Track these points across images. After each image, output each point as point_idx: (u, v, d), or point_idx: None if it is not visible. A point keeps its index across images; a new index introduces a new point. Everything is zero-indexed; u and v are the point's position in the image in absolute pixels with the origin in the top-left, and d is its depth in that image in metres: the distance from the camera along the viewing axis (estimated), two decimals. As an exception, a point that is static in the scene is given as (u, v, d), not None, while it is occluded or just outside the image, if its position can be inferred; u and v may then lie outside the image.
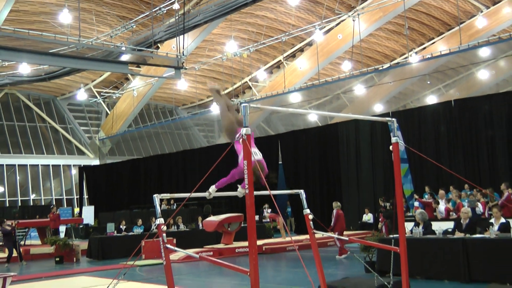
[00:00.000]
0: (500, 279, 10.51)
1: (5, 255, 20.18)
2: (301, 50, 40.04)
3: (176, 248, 8.31)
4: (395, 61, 39.07)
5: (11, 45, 25.68)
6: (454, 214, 17.48)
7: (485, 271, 11.06)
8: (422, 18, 36.49)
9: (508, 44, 31.84)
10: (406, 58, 34.45)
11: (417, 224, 12.97)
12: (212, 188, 7.47)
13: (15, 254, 20.15)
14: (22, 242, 25.07)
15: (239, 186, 7.53)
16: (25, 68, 34.47)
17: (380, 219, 21.05)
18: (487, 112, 21.91)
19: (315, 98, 42.65)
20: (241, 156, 7.23)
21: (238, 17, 34.70)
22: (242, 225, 21.09)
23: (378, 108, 41.60)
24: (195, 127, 51.90)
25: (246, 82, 43.14)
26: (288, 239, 21.91)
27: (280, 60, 40.56)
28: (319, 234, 9.61)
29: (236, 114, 7.90)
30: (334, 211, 18.03)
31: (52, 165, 43.98)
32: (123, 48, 29.09)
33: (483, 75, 39.82)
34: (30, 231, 28.21)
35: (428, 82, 40.54)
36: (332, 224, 17.98)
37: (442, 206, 18.41)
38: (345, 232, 22.90)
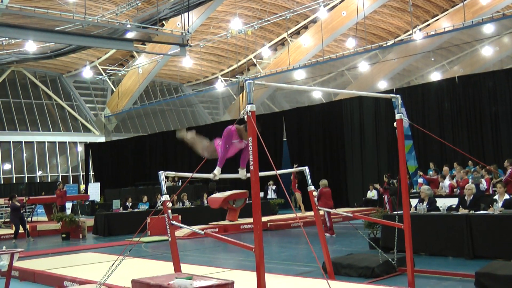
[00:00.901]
0: (504, 256, 10.54)
1: (13, 231, 20.34)
2: (306, 27, 39.91)
3: (181, 225, 8.40)
4: (399, 38, 38.96)
5: (17, 23, 25.67)
6: (458, 190, 17.56)
7: (489, 248, 11.11)
8: (426, -5, 36.38)
9: (511, 21, 31.73)
10: (410, 35, 34.29)
11: (421, 201, 13.01)
12: (217, 170, 7.56)
13: (21, 230, 20.29)
14: (28, 219, 25.23)
15: (239, 169, 7.68)
16: (31, 46, 34.45)
17: (383, 195, 21.11)
18: (491, 89, 21.95)
19: (319, 75, 42.59)
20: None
21: (243, -7, 34.65)
22: (247, 201, 21.19)
23: (382, 85, 41.54)
24: (200, 104, 51.87)
25: (251, 59, 43.04)
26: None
27: (285, 37, 40.46)
28: (323, 211, 9.70)
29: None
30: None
31: (58, 142, 44.04)
32: (128, 26, 29.03)
33: (487, 51, 39.70)
34: (36, 207, 28.37)
35: (432, 59, 40.43)
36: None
37: (446, 182, 18.50)
38: (349, 209, 23.04)
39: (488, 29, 32.91)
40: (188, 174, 7.86)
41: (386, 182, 21.27)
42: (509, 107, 21.36)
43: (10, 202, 20.30)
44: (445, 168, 19.17)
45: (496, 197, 12.37)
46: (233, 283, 6.29)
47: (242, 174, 7.74)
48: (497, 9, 33.09)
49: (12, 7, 26.02)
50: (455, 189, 17.99)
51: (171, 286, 6.06)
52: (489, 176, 17.66)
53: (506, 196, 12.06)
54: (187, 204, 23.72)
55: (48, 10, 27.04)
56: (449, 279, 9.47)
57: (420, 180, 19.41)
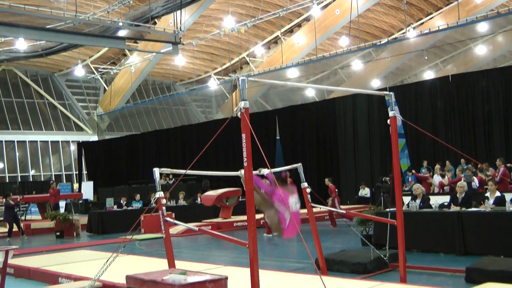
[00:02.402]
0: (494, 252, 10.60)
1: (6, 229, 20.31)
2: (299, 25, 39.94)
3: (175, 221, 8.42)
4: (393, 37, 39.03)
5: (7, 21, 25.57)
6: (448, 188, 17.66)
7: (480, 244, 11.17)
8: (421, -7, 36.46)
9: (506, 19, 31.80)
10: (404, 33, 34.37)
11: (414, 198, 13.08)
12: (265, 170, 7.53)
13: (15, 228, 20.28)
14: (22, 217, 25.19)
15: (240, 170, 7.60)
16: (22, 44, 34.36)
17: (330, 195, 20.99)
18: (484, 87, 22.00)
19: (312, 74, 42.60)
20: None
21: (236, -9, 34.67)
22: (240, 199, 21.21)
23: (376, 83, 41.58)
24: (193, 103, 51.88)
25: (244, 57, 43.07)
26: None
27: (278, 36, 40.48)
28: (316, 208, 9.74)
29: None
30: None
31: (51, 141, 44.04)
32: (120, 24, 28.98)
33: (480, 50, 39.77)
34: (30, 206, 28.33)
35: (426, 58, 40.49)
36: None
37: (436, 179, 18.58)
38: (342, 206, 23.10)
39: (482, 27, 32.94)
40: (182, 171, 7.88)
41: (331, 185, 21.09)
42: (502, 106, 21.43)
43: (4, 200, 20.27)
44: (437, 166, 19.24)
45: (487, 194, 12.43)
46: (226, 278, 6.33)
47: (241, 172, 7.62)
48: (491, 8, 33.18)
49: (2, 5, 25.93)
50: (445, 187, 18.05)
51: (165, 281, 6.09)
52: (481, 175, 17.71)
53: (498, 194, 12.12)
54: (181, 202, 23.71)
55: (39, 7, 26.96)
56: (440, 275, 9.53)
57: (411, 179, 19.51)
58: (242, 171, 7.55)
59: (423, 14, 38.91)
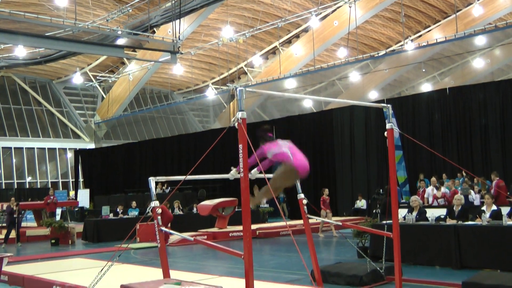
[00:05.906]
0: (491, 266, 10.60)
1: (1, 236, 20.27)
2: (297, 36, 39.99)
3: (171, 231, 8.41)
4: (391, 49, 39.05)
5: (7, 28, 25.58)
6: (442, 201, 17.60)
7: (477, 258, 11.14)
8: (419, 6, 36.45)
9: (504, 33, 31.86)
10: (401, 45, 34.41)
11: (410, 210, 13.07)
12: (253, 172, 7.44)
13: (12, 235, 20.26)
14: (17, 225, 25.13)
15: (232, 168, 7.51)
16: (21, 51, 34.36)
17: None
18: (481, 101, 22.05)
19: (310, 84, 42.61)
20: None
21: (235, 2, 34.66)
22: (236, 209, 21.19)
23: (373, 95, 41.61)
24: (190, 112, 51.89)
25: (242, 67, 43.11)
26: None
27: (276, 46, 40.53)
28: (312, 219, 9.72)
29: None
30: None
31: (48, 149, 44.04)
32: (119, 32, 29.00)
33: (478, 63, 39.80)
34: (26, 213, 28.25)
35: (423, 70, 40.50)
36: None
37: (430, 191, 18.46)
38: (338, 218, 23.07)
39: (480, 41, 32.97)
40: (180, 178, 7.87)
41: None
42: (499, 119, 21.47)
43: (6, 206, 20.31)
44: (433, 179, 19.20)
45: (484, 208, 12.42)
46: (221, 289, 6.30)
47: (232, 173, 7.55)
48: (489, 21, 33.27)
49: (2, 12, 25.96)
50: (438, 200, 17.96)
51: (160, 291, 6.07)
52: (477, 188, 17.70)
53: (494, 207, 12.12)
54: (177, 211, 23.66)
55: (38, 15, 26.99)
56: (436, 288, 9.52)
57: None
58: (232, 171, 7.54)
59: (421, 26, 39.00)
